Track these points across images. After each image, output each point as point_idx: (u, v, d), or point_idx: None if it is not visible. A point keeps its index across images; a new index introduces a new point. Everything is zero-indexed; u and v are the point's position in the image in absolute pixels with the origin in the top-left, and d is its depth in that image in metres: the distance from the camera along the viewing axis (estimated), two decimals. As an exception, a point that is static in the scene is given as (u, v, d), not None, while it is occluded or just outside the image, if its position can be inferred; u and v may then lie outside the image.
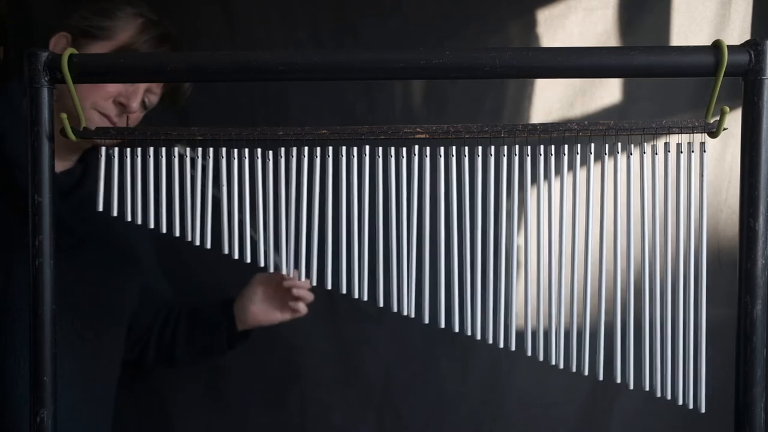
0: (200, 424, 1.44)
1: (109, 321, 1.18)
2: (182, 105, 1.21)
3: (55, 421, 0.79)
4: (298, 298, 1.22)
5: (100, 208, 0.82)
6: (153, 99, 1.14)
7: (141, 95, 1.10)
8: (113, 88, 1.07)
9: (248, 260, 0.85)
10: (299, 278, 1.12)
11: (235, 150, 0.82)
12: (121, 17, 1.10)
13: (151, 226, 0.84)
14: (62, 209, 1.08)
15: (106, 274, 1.17)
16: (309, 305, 1.24)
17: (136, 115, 1.13)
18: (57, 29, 1.10)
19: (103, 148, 0.82)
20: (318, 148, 0.81)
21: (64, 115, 0.80)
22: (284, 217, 0.83)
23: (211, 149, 0.82)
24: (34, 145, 0.78)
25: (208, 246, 0.84)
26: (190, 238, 0.84)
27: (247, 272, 1.23)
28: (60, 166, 1.12)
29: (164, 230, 0.84)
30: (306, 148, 0.81)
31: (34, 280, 0.78)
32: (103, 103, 1.07)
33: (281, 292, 1.23)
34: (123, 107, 1.09)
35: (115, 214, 0.83)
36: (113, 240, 1.18)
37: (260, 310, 1.24)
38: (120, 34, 1.09)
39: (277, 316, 1.25)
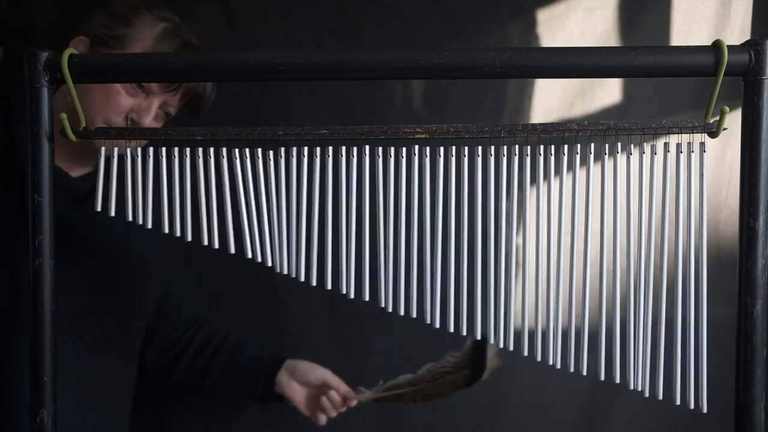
0: (200, 423, 1.44)
1: (120, 330, 1.16)
2: (203, 114, 1.15)
3: (55, 421, 0.79)
4: (325, 410, 1.22)
5: (99, 208, 0.82)
6: (172, 111, 1.09)
7: (154, 111, 1.05)
8: (126, 103, 1.02)
9: (258, 259, 0.84)
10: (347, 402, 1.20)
11: (236, 150, 0.82)
12: (137, 25, 1.03)
13: (149, 226, 0.84)
14: (74, 215, 1.06)
15: (119, 282, 1.14)
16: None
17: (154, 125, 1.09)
18: (77, 32, 1.05)
19: (103, 149, 0.82)
20: (318, 148, 0.81)
21: (63, 115, 0.80)
22: (285, 217, 0.83)
23: (211, 149, 0.82)
24: (34, 145, 0.78)
25: (216, 247, 0.84)
26: (205, 240, 0.84)
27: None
28: (79, 171, 1.09)
29: (166, 230, 0.84)
30: (306, 148, 0.81)
31: (34, 280, 0.78)
32: (114, 118, 1.03)
33: (320, 394, 1.22)
34: (134, 124, 1.04)
35: (112, 214, 0.82)
36: (129, 247, 1.14)
37: (294, 391, 1.24)
38: (134, 45, 1.03)
39: (301, 407, 1.24)
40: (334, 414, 1.23)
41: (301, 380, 1.24)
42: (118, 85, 1.01)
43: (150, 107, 1.05)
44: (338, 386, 1.22)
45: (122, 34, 1.03)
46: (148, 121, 1.05)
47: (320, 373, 1.23)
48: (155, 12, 1.05)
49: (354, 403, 1.22)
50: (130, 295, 1.16)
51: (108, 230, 1.10)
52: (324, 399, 1.21)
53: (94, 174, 1.11)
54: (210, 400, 1.43)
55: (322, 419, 1.23)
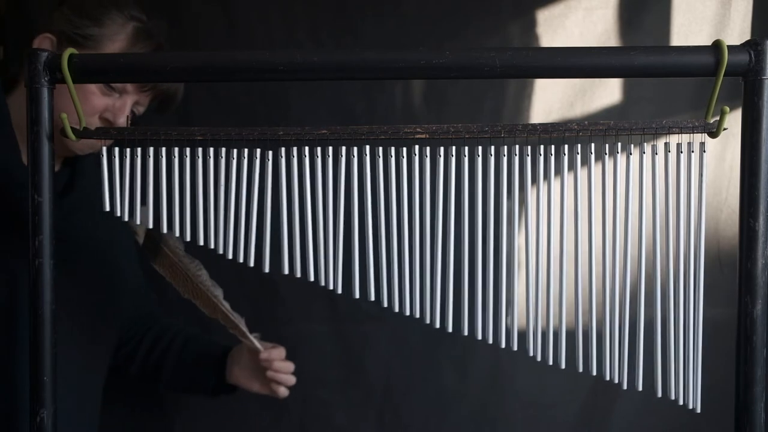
0: (200, 423, 1.44)
1: (96, 330, 1.12)
2: (173, 112, 1.13)
3: (55, 421, 0.79)
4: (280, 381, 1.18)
5: (107, 208, 0.82)
6: (141, 110, 1.08)
7: (128, 110, 1.04)
8: (100, 103, 1.01)
9: (251, 264, 0.85)
10: (278, 357, 1.15)
11: (235, 150, 0.82)
12: (108, 25, 1.01)
13: (150, 225, 0.84)
14: None
15: (92, 285, 1.11)
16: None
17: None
18: (40, 29, 1.02)
19: (104, 148, 0.82)
20: (318, 148, 0.81)
21: (64, 115, 0.80)
22: (285, 217, 0.83)
23: (211, 149, 0.82)
24: (34, 145, 0.78)
25: (212, 247, 0.84)
26: (201, 241, 0.84)
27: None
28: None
29: (164, 230, 0.84)
30: (306, 148, 0.81)
31: (34, 280, 0.78)
32: (89, 119, 1.00)
33: (262, 368, 1.18)
34: (108, 123, 1.02)
35: (118, 214, 0.82)
36: (98, 247, 1.12)
37: (241, 374, 1.20)
38: (108, 45, 1.01)
39: (255, 387, 1.20)
40: (289, 380, 1.18)
41: (240, 363, 1.20)
42: (92, 86, 0.99)
43: (124, 106, 1.03)
44: (270, 353, 1.17)
45: (95, 33, 1.00)
46: (122, 120, 1.03)
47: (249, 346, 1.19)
48: (125, 11, 1.03)
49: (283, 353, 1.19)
50: (101, 291, 1.13)
51: (77, 230, 1.07)
52: (270, 373, 1.17)
53: (62, 174, 1.08)
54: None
55: (282, 391, 1.19)
